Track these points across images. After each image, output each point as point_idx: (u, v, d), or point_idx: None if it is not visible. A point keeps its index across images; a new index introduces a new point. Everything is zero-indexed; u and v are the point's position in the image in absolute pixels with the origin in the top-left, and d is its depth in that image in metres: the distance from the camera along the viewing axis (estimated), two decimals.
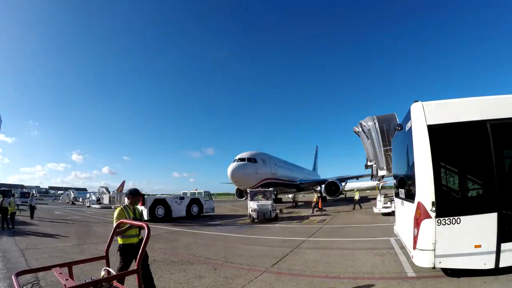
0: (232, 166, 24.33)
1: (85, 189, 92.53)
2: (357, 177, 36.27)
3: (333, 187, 31.58)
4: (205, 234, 12.49)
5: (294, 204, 31.13)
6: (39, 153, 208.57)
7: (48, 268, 2.21)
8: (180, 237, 11.61)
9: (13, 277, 1.90)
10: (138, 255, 2.12)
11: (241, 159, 25.10)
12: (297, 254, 7.69)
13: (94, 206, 39.82)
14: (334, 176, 34.84)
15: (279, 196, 39.21)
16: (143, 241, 2.14)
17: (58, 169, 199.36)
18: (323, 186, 34.51)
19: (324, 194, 32.86)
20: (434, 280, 4.99)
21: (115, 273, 2.20)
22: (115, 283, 2.19)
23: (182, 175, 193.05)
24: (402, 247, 7.56)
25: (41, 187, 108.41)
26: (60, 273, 2.12)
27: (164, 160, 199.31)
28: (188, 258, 7.48)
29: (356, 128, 18.62)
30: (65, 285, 1.86)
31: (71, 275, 2.26)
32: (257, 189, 20.36)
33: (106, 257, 2.58)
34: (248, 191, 19.65)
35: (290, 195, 36.86)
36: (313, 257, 7.27)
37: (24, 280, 5.25)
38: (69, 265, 2.36)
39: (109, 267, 2.48)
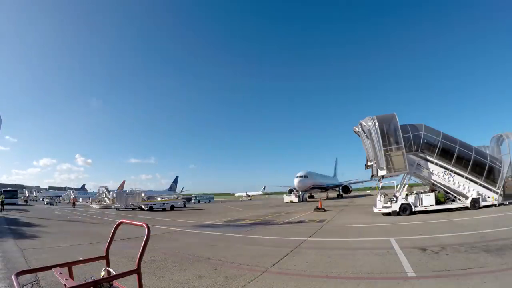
0: (297, 179, 45.58)
1: (85, 189, 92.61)
2: (362, 182, 53.30)
3: (346, 188, 54.69)
4: (205, 234, 12.50)
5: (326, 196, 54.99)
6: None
7: (48, 268, 2.20)
8: (180, 237, 11.61)
9: (13, 277, 1.89)
10: (138, 255, 2.11)
11: (300, 176, 45.69)
12: (297, 254, 7.68)
13: (94, 206, 39.87)
14: (347, 180, 58.02)
15: (313, 194, 57.94)
16: (143, 241, 2.13)
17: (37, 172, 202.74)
18: (340, 187, 55.88)
19: (341, 193, 54.70)
20: (434, 280, 4.99)
21: (115, 273, 2.19)
22: (115, 283, 2.19)
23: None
24: (402, 247, 7.58)
25: (41, 186, 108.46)
26: (60, 273, 2.11)
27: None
28: (188, 258, 7.48)
29: (356, 128, 18.67)
30: (65, 285, 1.86)
31: (71, 275, 2.25)
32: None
33: (106, 257, 2.57)
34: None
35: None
36: (313, 257, 7.27)
37: (24, 280, 5.24)
38: (69, 265, 2.35)
39: (109, 267, 2.47)
